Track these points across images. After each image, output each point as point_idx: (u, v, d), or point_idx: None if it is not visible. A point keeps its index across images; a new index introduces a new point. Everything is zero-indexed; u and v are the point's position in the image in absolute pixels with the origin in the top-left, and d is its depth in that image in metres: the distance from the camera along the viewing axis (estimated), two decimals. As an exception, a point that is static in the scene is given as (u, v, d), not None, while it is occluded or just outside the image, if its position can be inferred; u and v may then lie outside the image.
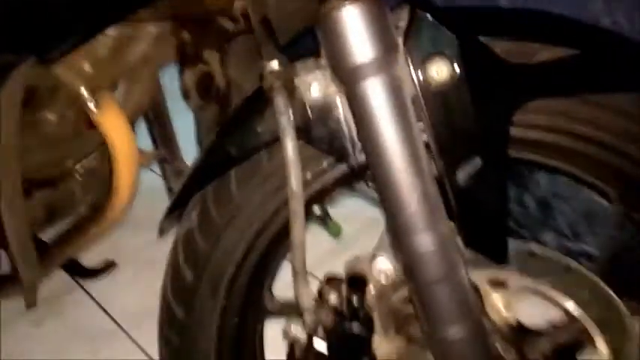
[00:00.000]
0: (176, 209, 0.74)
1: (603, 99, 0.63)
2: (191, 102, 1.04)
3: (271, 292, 0.83)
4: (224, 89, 1.08)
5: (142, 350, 1.35)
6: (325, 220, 0.80)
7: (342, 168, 0.71)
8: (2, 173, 0.76)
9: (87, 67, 0.86)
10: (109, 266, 1.68)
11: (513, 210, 1.42)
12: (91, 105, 0.86)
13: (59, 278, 1.54)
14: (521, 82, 0.60)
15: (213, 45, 1.07)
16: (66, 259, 1.14)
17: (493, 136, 0.59)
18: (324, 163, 0.71)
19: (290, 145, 0.59)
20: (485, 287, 0.70)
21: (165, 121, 1.12)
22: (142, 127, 1.15)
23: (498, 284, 0.70)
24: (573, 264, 0.68)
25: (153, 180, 1.86)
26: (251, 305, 0.81)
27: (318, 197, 0.77)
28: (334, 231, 0.80)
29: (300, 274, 0.63)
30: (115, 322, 1.44)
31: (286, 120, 0.59)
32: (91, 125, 0.99)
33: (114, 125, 0.91)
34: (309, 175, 0.72)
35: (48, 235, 1.08)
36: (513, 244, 0.67)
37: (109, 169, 0.97)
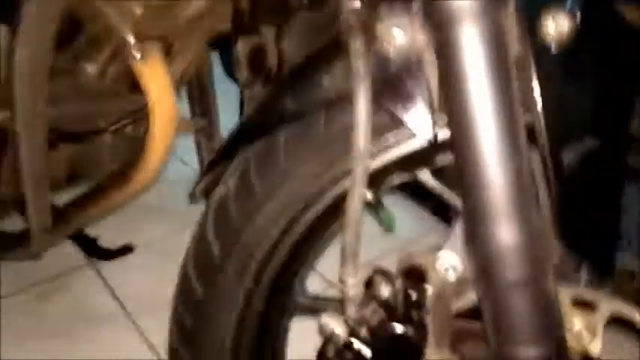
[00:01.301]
0: (212, 170, 0.64)
1: None
2: (239, 75, 0.96)
3: (305, 284, 0.72)
4: (275, 66, 1.01)
5: (145, 338, 1.25)
6: (378, 208, 0.69)
7: (412, 145, 0.61)
8: (27, 96, 0.68)
9: (138, 11, 0.78)
10: (126, 250, 1.61)
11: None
12: (136, 52, 0.79)
13: (72, 255, 1.47)
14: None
15: (271, 17, 0.99)
16: (82, 225, 1.06)
17: (615, 113, 0.48)
18: (391, 137, 0.61)
19: (363, 98, 0.50)
20: (567, 306, 0.58)
21: (209, 92, 1.04)
22: (182, 95, 1.08)
23: (584, 305, 0.58)
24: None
25: (182, 169, 1.79)
26: (280, 294, 0.70)
27: (376, 179, 0.67)
28: (387, 223, 0.70)
29: (350, 257, 0.53)
30: (122, 305, 1.35)
31: (363, 66, 0.49)
32: (133, 89, 0.92)
33: (156, 81, 0.84)
34: (373, 149, 0.62)
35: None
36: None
37: (144, 131, 0.88)
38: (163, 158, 0.88)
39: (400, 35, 0.52)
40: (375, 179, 0.67)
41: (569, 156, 0.48)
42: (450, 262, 0.55)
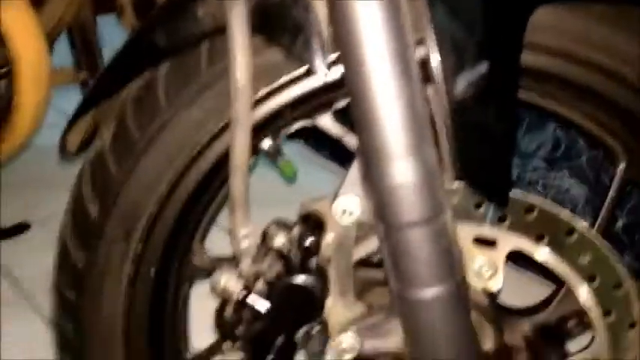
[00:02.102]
0: (81, 115, 0.56)
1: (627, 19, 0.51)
2: (124, 21, 0.86)
3: (202, 245, 0.66)
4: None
5: (46, 320, 1.15)
6: (277, 157, 0.64)
7: (305, 85, 0.56)
8: None
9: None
10: (21, 228, 1.47)
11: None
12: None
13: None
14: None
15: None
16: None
17: (504, 39, 0.46)
18: (283, 77, 0.56)
19: (238, 24, 0.44)
20: (468, 245, 0.56)
21: (92, 39, 0.93)
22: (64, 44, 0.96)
23: (485, 243, 0.57)
24: (579, 224, 0.55)
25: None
26: (175, 257, 0.64)
27: (271, 125, 0.61)
28: (288, 172, 0.65)
29: (238, 205, 0.47)
30: (20, 287, 1.23)
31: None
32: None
33: (20, 25, 0.72)
34: (261, 91, 0.56)
35: None
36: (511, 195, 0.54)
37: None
38: (36, 113, 0.77)
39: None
40: (271, 125, 0.62)
41: (462, 83, 0.46)
42: (347, 206, 0.52)
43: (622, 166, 0.60)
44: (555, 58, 0.54)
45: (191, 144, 0.58)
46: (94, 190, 0.60)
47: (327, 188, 0.56)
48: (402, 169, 0.47)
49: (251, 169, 0.66)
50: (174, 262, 0.65)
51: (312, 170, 1.48)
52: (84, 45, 0.92)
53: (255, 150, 0.65)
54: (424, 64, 0.48)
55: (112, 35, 0.94)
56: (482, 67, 0.45)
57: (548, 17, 0.51)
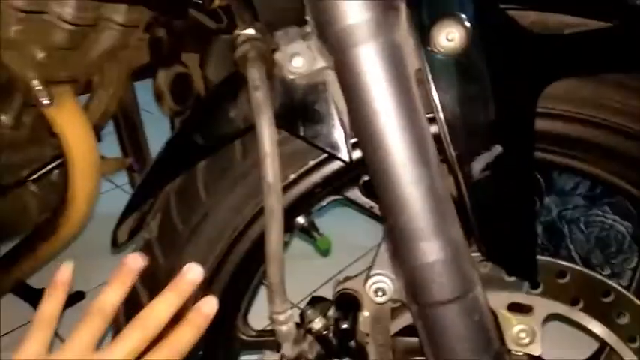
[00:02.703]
0: (131, 213, 0.61)
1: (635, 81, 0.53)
2: (164, 106, 0.93)
3: (246, 320, 0.69)
4: (203, 93, 0.98)
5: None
6: (311, 232, 0.68)
7: (332, 166, 0.60)
8: None
9: (40, 55, 0.75)
10: (77, 297, 1.53)
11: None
12: (43, 98, 0.75)
13: (23, 310, 1.39)
14: (549, 56, 0.49)
15: (191, 44, 0.97)
16: (15, 283, 1.00)
17: (516, 120, 0.48)
18: (310, 161, 0.60)
19: (266, 127, 0.48)
20: (504, 313, 0.57)
21: (136, 127, 1.00)
22: (112, 135, 1.03)
23: (521, 310, 0.57)
24: (613, 286, 0.55)
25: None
26: (221, 335, 0.68)
27: (303, 204, 0.65)
28: (323, 246, 0.68)
29: (276, 291, 0.51)
30: None
31: (262, 96, 0.48)
32: (52, 133, 0.88)
33: (71, 123, 0.80)
34: (292, 176, 0.60)
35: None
36: (540, 260, 0.55)
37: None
38: (89, 202, 0.84)
39: (298, 61, 0.50)
40: (304, 204, 0.65)
41: (478, 166, 0.48)
42: (379, 285, 0.54)
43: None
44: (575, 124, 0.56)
45: (229, 230, 0.61)
46: (144, 279, 0.64)
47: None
48: (429, 250, 0.49)
49: (287, 244, 0.70)
50: (220, 339, 0.68)
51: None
52: (129, 133, 0.99)
53: (290, 227, 0.69)
54: (438, 142, 0.50)
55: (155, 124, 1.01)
56: (497, 149, 0.47)
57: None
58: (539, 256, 0.54)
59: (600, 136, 0.56)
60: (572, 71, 0.50)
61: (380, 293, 0.53)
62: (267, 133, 0.47)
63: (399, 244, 0.50)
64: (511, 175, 0.48)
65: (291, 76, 0.51)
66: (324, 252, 0.71)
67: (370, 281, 0.54)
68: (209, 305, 0.50)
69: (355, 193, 0.67)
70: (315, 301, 0.59)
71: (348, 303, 0.55)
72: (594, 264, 1.27)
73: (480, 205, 0.48)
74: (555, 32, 0.51)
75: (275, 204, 0.48)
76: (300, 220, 0.68)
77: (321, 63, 0.50)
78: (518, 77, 0.48)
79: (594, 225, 1.27)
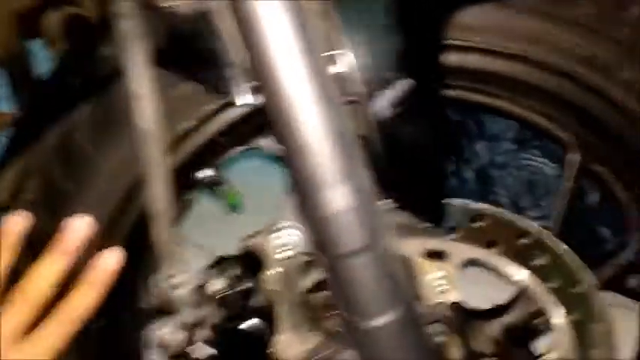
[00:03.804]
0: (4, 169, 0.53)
1: (560, 9, 0.49)
2: (52, 49, 0.82)
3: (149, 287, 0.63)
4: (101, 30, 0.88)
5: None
6: (219, 186, 0.62)
7: (236, 111, 0.54)
8: None
9: None
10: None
11: (451, 184, 1.31)
12: None
13: None
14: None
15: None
16: None
17: (423, 56, 0.43)
18: (212, 104, 0.53)
19: (138, 64, 0.41)
20: (419, 260, 0.54)
21: (28, 80, 0.89)
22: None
23: (436, 256, 0.55)
24: (531, 226, 0.53)
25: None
26: (126, 298, 0.62)
27: (205, 156, 0.59)
28: (232, 202, 0.62)
29: (164, 252, 0.45)
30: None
31: (132, 26, 0.40)
32: None
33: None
34: (190, 122, 0.54)
35: None
36: (454, 205, 0.52)
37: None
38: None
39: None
40: (206, 156, 0.59)
41: (384, 103, 0.43)
42: (285, 240, 0.49)
43: (577, 157, 0.58)
44: (489, 56, 0.52)
45: (121, 188, 0.55)
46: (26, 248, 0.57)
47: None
48: (337, 197, 0.44)
49: (192, 203, 0.64)
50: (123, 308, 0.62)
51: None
52: (20, 85, 0.88)
53: (192, 183, 0.63)
54: (342, 81, 0.45)
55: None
56: (403, 83, 0.43)
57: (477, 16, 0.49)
58: (453, 200, 0.51)
59: (519, 71, 0.53)
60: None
61: (284, 248, 0.49)
62: (139, 69, 0.40)
63: (304, 193, 0.45)
64: (419, 112, 0.43)
65: (167, 5, 0.44)
66: (234, 207, 0.66)
67: (274, 236, 0.49)
68: (110, 259, 0.43)
69: (267, 141, 0.61)
70: (216, 263, 0.54)
71: (252, 260, 0.50)
72: (522, 207, 1.29)
73: (387, 145, 0.44)
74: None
75: (155, 153, 0.42)
76: (203, 174, 0.62)
77: (206, -10, 0.43)
78: (421, 7, 0.43)
79: (524, 169, 1.28)
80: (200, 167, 0.60)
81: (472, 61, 0.52)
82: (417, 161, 0.45)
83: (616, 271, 0.61)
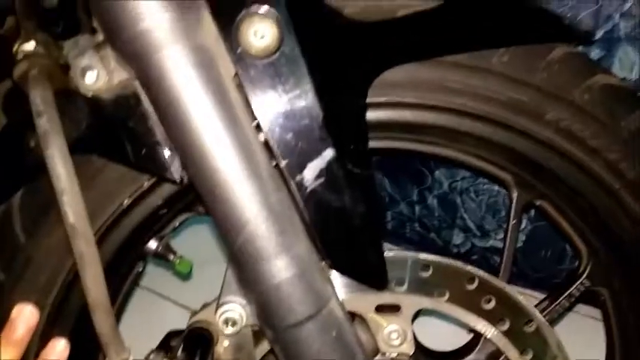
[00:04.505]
0: None
1: (478, 60, 0.51)
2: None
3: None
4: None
5: None
6: (167, 257, 0.61)
7: (169, 186, 0.53)
8: None
9: None
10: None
11: (418, 213, 1.32)
12: None
13: None
14: (376, 44, 0.46)
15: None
16: None
17: (347, 120, 0.44)
18: (145, 182, 0.53)
19: (58, 159, 0.40)
20: (373, 316, 0.54)
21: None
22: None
23: (390, 309, 0.55)
24: (476, 271, 0.54)
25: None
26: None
27: (149, 229, 0.58)
28: (183, 270, 0.61)
29: (108, 342, 0.44)
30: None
31: (47, 122, 0.40)
32: None
33: None
34: (126, 201, 0.53)
35: None
36: (400, 257, 0.53)
37: None
38: None
39: (93, 76, 0.43)
40: (149, 228, 0.58)
41: (311, 173, 0.44)
42: (229, 315, 0.49)
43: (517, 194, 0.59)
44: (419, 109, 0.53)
45: (57, 277, 0.53)
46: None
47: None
48: (273, 270, 0.44)
49: (141, 274, 0.63)
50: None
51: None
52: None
53: (140, 255, 0.62)
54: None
55: None
56: (328, 152, 0.43)
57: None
58: (399, 252, 0.51)
59: (448, 120, 0.54)
60: (402, 58, 0.47)
61: (230, 323, 0.48)
62: (60, 166, 0.40)
63: (241, 267, 0.45)
64: (347, 178, 0.44)
65: (90, 94, 0.44)
66: (185, 276, 0.65)
67: (220, 311, 0.48)
68: (57, 350, 0.43)
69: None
70: (172, 337, 0.52)
71: (200, 337, 0.49)
72: (488, 230, 1.30)
73: (318, 215, 0.44)
74: (387, 17, 0.47)
75: (84, 247, 0.41)
76: (153, 245, 0.61)
77: (121, 75, 0.43)
78: (344, 71, 0.44)
79: (483, 193, 1.30)
80: (145, 240, 0.60)
81: (405, 115, 0.53)
82: (348, 227, 0.45)
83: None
